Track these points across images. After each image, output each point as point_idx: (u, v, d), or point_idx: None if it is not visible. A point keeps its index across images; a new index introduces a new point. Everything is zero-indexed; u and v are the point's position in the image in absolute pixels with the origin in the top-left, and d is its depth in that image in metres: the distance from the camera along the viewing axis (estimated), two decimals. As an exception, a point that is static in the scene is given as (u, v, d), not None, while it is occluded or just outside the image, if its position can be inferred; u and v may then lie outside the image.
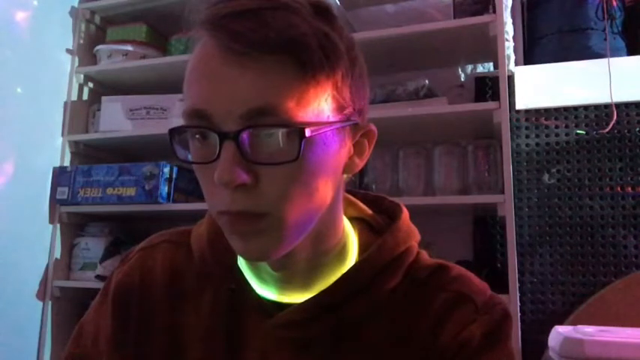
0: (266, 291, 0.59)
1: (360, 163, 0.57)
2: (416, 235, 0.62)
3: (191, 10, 0.50)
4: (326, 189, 0.53)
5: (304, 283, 0.58)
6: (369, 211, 0.64)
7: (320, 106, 0.49)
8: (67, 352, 0.70)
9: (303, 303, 0.56)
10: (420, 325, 0.57)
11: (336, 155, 0.53)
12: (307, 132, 0.47)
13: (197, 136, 0.50)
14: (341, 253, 0.59)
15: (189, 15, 0.50)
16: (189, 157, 0.52)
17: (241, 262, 0.61)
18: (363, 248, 0.60)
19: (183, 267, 0.64)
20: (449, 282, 0.59)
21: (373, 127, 0.58)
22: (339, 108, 0.51)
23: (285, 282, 0.58)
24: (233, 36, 0.46)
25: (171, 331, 0.62)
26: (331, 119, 0.51)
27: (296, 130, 0.47)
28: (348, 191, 0.64)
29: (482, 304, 0.57)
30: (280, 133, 0.48)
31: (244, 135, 0.47)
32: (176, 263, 0.65)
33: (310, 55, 0.47)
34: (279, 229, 0.50)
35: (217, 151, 0.47)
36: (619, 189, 1.63)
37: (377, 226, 0.63)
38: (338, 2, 1.68)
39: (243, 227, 0.50)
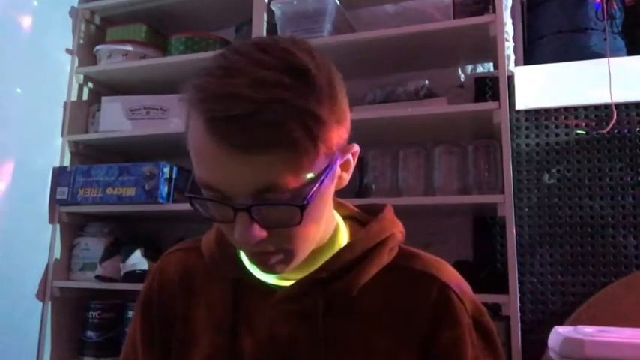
0: (267, 277, 0.68)
1: (347, 178, 0.65)
2: (398, 226, 0.71)
3: (187, 86, 0.57)
4: (325, 214, 0.63)
5: (300, 267, 0.65)
6: (357, 210, 0.74)
7: (315, 167, 0.56)
8: None
9: (299, 279, 0.65)
10: (404, 301, 0.66)
11: (330, 189, 0.62)
12: (306, 200, 0.55)
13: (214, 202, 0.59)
14: (333, 239, 0.68)
15: (185, 87, 0.57)
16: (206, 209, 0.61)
17: (243, 255, 0.69)
18: (352, 237, 0.70)
19: (194, 267, 0.74)
20: (426, 266, 0.68)
21: (357, 147, 0.64)
22: (329, 154, 0.58)
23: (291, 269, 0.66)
24: (230, 140, 0.53)
25: (185, 321, 0.71)
26: (323, 167, 0.57)
27: (297, 206, 0.55)
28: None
29: (459, 292, 0.66)
30: (284, 206, 0.56)
31: (254, 209, 0.56)
32: (188, 265, 0.75)
33: (300, 143, 0.53)
34: (292, 256, 0.61)
35: (233, 217, 0.56)
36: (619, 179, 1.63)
37: (364, 221, 0.72)
38: (338, 2, 1.69)
39: (261, 259, 0.61)
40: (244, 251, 0.62)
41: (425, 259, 0.69)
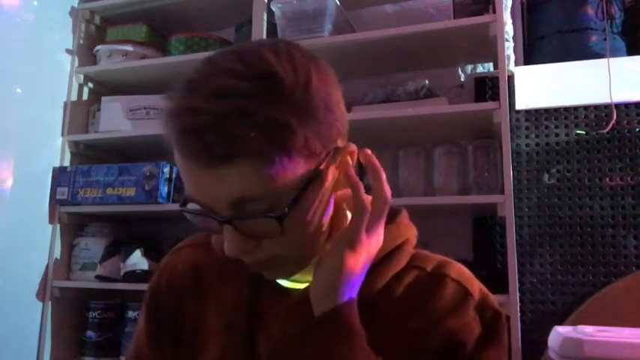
0: (285, 281, 0.66)
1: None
2: (413, 230, 0.70)
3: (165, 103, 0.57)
4: (322, 219, 0.60)
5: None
6: None
7: (292, 173, 0.54)
8: None
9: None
10: (418, 303, 0.64)
11: (322, 192, 0.59)
12: (286, 209, 0.54)
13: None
14: None
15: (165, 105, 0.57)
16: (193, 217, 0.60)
17: None
18: None
19: (204, 263, 0.72)
20: (452, 275, 0.66)
21: (353, 146, 0.62)
22: (312, 158, 0.56)
23: (301, 272, 0.65)
24: (193, 155, 0.53)
25: (196, 320, 0.69)
26: (306, 172, 0.56)
27: (274, 216, 0.54)
28: None
29: (479, 301, 0.65)
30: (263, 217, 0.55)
31: (235, 221, 0.55)
32: (197, 261, 0.73)
33: (263, 153, 0.52)
34: (292, 262, 0.61)
35: (220, 229, 0.57)
36: (619, 180, 1.63)
37: None
38: (338, 2, 1.69)
39: (258, 267, 0.60)
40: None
41: (435, 260, 0.69)
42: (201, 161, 0.53)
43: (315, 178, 0.57)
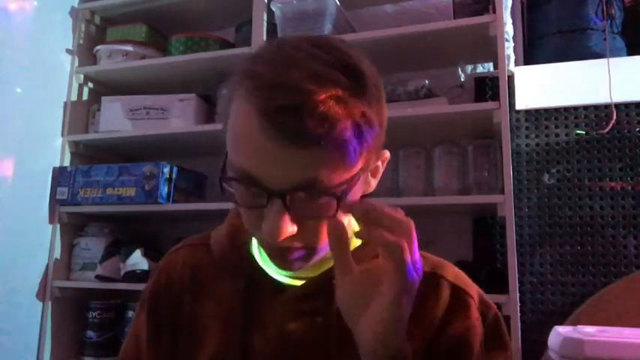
0: (280, 276, 0.68)
1: (374, 184, 0.65)
2: None
3: (239, 70, 0.57)
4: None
5: (312, 267, 0.64)
6: None
7: (355, 168, 0.56)
8: None
9: (312, 278, 0.66)
10: (420, 309, 0.63)
11: (359, 191, 0.61)
12: (344, 194, 0.55)
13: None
14: None
15: (235, 72, 0.57)
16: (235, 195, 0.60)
17: (256, 253, 0.70)
18: None
19: (202, 263, 0.73)
20: (450, 278, 0.68)
21: (387, 153, 0.64)
22: (368, 157, 0.58)
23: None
24: (282, 131, 0.52)
25: (194, 318, 0.70)
26: (359, 169, 0.57)
27: (335, 197, 0.55)
28: None
29: (480, 302, 0.67)
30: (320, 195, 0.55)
31: (289, 197, 0.54)
32: (195, 261, 0.74)
33: (349, 143, 0.53)
34: (314, 253, 0.61)
35: (265, 202, 0.55)
36: (620, 183, 1.63)
37: None
38: (338, 2, 1.69)
39: (283, 253, 0.60)
40: (266, 245, 0.61)
41: (431, 260, 0.70)
42: (290, 138, 0.52)
43: (363, 175, 0.59)
